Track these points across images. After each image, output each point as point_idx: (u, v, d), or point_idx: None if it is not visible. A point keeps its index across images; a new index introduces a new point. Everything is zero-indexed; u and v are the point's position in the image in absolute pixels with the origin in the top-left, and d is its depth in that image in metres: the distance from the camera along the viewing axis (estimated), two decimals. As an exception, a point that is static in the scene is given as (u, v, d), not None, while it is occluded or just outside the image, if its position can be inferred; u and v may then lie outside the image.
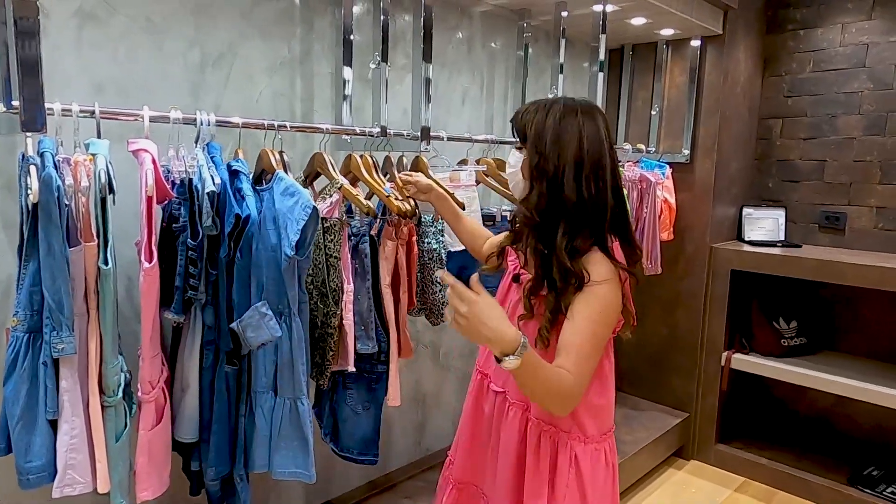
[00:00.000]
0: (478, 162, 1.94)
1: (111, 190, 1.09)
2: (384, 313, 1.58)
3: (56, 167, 1.02)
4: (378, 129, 1.64)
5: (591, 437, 1.16)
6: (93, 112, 1.13)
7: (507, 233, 1.31)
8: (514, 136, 1.18)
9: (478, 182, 1.89)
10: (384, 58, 1.68)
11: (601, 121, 1.11)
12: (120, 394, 1.11)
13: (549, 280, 1.09)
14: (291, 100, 1.73)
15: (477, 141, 1.94)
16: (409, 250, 1.62)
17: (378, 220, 1.58)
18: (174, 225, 1.20)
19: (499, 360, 0.95)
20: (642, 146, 2.67)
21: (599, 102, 2.28)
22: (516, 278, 1.24)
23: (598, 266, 1.07)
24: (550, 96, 2.25)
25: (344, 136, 1.68)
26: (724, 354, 2.67)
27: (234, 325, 1.31)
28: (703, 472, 2.70)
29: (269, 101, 1.67)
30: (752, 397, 2.91)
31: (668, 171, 2.61)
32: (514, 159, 1.19)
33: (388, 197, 1.52)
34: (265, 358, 1.37)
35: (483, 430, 1.30)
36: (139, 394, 1.18)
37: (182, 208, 1.19)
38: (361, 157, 1.57)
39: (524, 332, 1.00)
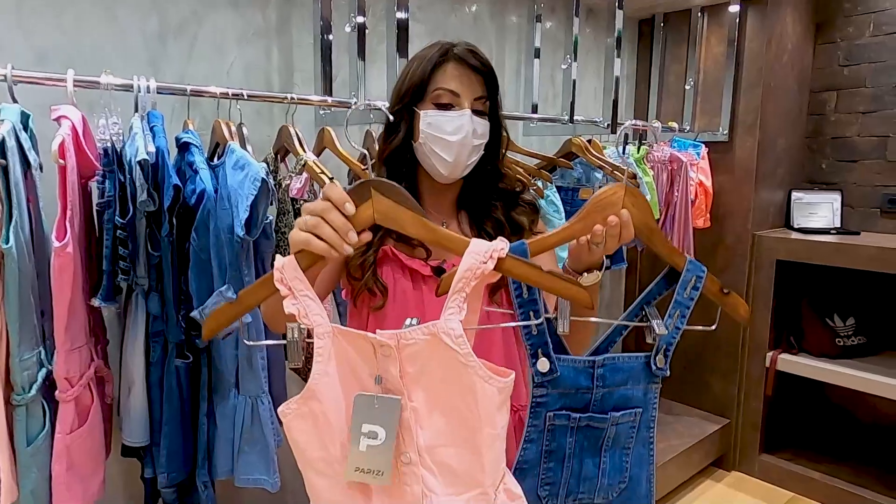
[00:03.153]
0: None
1: (26, 163, 0.96)
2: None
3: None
4: (357, 101, 1.48)
5: None
6: (3, 77, 1.00)
7: None
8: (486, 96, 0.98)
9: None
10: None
11: None
12: (33, 391, 0.99)
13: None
14: (268, 72, 1.59)
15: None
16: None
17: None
18: (99, 201, 1.07)
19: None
20: (674, 124, 2.42)
21: (620, 76, 2.06)
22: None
23: None
24: (563, 67, 2.04)
25: (322, 111, 1.52)
26: (770, 355, 2.38)
27: (194, 312, 1.17)
28: (745, 486, 2.43)
29: (241, 74, 1.53)
30: (802, 403, 2.60)
31: (704, 150, 2.35)
32: None
33: (364, 171, 1.35)
34: (226, 351, 1.23)
35: None
36: (56, 392, 1.05)
37: (107, 182, 1.05)
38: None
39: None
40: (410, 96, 0.95)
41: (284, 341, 0.77)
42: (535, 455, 0.82)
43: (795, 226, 2.50)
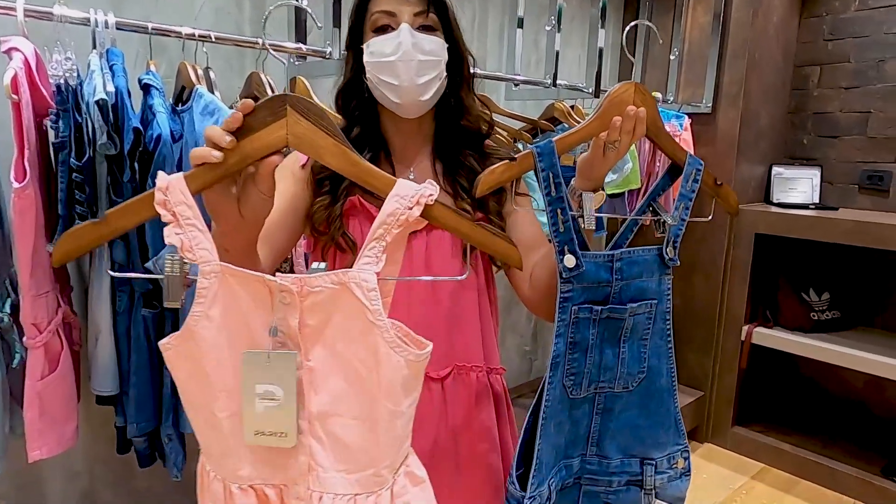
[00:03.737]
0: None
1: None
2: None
3: None
4: (331, 51, 1.42)
5: None
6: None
7: None
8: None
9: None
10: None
11: None
12: (-22, 336, 0.94)
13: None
14: (239, 20, 1.52)
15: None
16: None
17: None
18: (53, 141, 1.01)
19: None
20: (659, 94, 2.39)
21: (604, 46, 2.02)
22: None
23: None
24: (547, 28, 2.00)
25: (295, 61, 1.46)
26: (746, 328, 2.40)
27: (149, 263, 1.13)
28: (717, 457, 2.45)
29: (210, 19, 1.47)
30: (775, 376, 2.63)
31: (687, 122, 2.33)
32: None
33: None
34: (190, 302, 1.19)
35: None
36: (24, 338, 1.01)
37: (61, 121, 0.99)
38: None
39: None
40: (353, 32, 0.90)
41: (160, 275, 0.67)
42: (563, 348, 0.84)
43: (775, 200, 2.50)
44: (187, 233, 0.63)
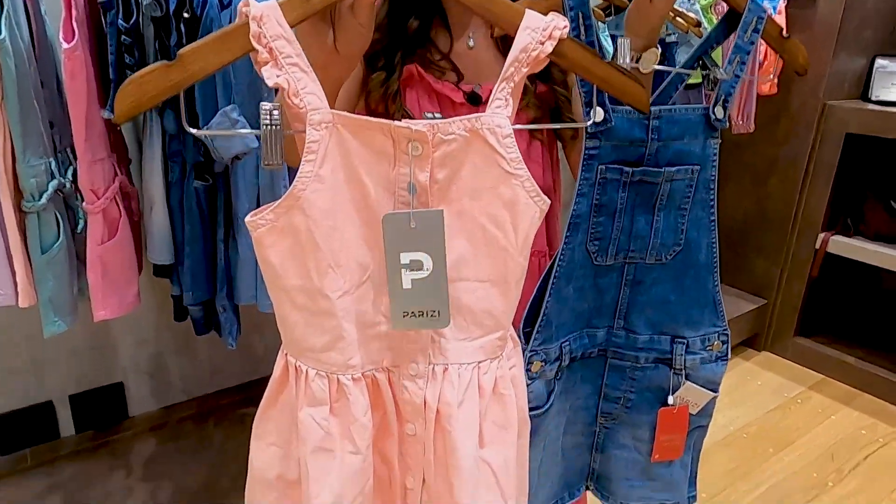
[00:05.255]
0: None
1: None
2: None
3: None
4: None
5: None
6: None
7: None
8: None
9: None
10: None
11: None
12: (43, 200, 0.96)
13: None
14: None
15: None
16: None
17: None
18: (100, 1, 0.98)
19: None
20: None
21: None
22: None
23: None
24: None
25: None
26: (822, 236, 2.25)
27: (199, 132, 1.11)
28: (774, 366, 2.39)
29: None
30: (849, 288, 2.49)
31: (782, 3, 2.08)
32: None
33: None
34: (245, 179, 1.18)
35: None
36: (83, 204, 1.03)
37: (106, -22, 0.95)
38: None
39: None
40: None
41: (257, 131, 0.57)
42: (586, 209, 0.77)
43: (874, 98, 2.25)
44: (289, 73, 0.54)
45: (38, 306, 0.99)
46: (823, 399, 2.17)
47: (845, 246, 2.21)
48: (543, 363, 0.80)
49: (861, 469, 1.80)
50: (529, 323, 0.81)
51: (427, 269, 0.59)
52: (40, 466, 1.41)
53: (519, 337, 0.78)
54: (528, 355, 0.78)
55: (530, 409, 0.79)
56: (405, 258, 0.59)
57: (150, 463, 1.43)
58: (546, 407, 0.82)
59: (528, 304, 0.81)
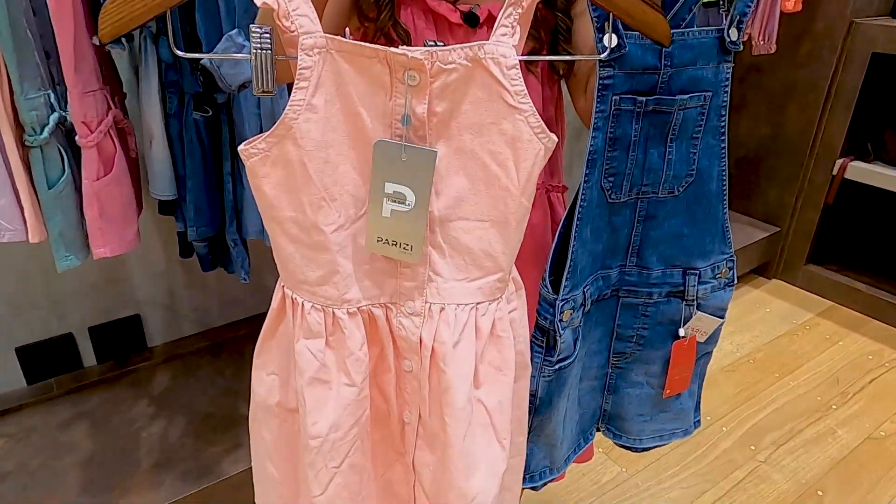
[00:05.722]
0: None
1: None
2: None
3: None
4: None
5: None
6: None
7: None
8: None
9: None
10: None
11: None
12: (45, 134, 0.94)
13: None
14: None
15: None
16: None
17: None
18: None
19: None
20: None
21: None
22: None
23: None
24: None
25: None
26: (840, 162, 2.19)
27: (205, 61, 1.08)
28: (784, 293, 2.40)
29: None
30: (866, 215, 2.45)
31: (812, -89, 1.95)
32: None
33: None
34: (248, 109, 1.15)
35: None
36: (76, 138, 1.01)
37: None
38: None
39: None
40: None
41: (246, 55, 0.54)
42: (601, 144, 0.75)
43: (904, 14, 2.14)
44: None
45: (48, 242, 1.00)
46: (832, 325, 2.18)
47: (864, 172, 2.16)
48: (573, 311, 0.79)
49: (865, 392, 1.83)
50: (553, 271, 0.78)
51: (409, 204, 0.58)
52: (67, 395, 1.47)
53: (545, 288, 0.77)
54: (560, 304, 0.76)
55: (560, 360, 0.79)
56: (389, 188, 0.58)
57: (169, 391, 1.48)
58: (574, 356, 0.82)
59: (551, 252, 0.79)
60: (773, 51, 2.03)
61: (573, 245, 0.76)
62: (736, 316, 2.24)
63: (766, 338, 2.11)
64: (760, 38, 1.98)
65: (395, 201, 0.59)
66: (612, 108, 0.73)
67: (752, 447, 1.63)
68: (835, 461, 1.58)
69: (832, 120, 2.18)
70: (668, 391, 0.92)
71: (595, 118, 0.73)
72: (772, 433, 1.68)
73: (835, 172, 2.21)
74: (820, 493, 1.49)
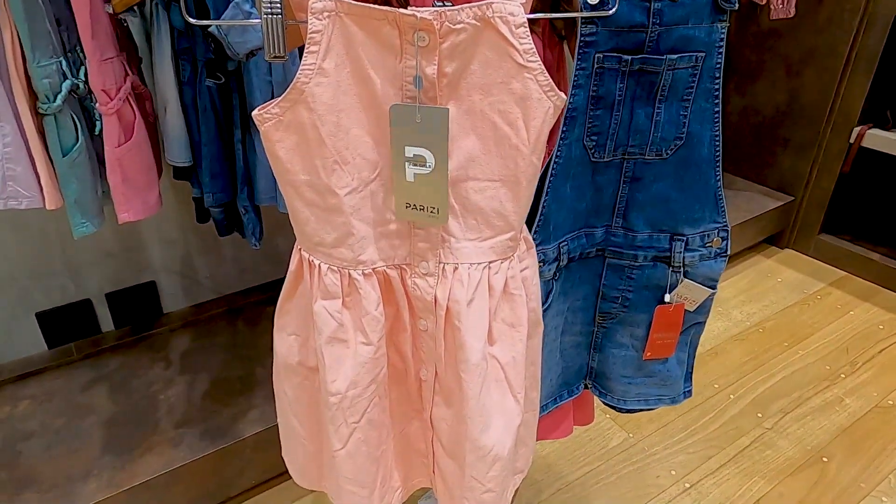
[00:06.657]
0: None
1: None
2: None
3: None
4: None
5: None
6: None
7: None
8: None
9: None
10: None
11: None
12: (58, 101, 0.95)
13: None
14: None
15: None
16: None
17: None
18: None
19: None
20: None
21: None
22: None
23: None
24: None
25: None
26: (857, 129, 2.16)
27: (213, 28, 1.08)
28: (796, 262, 2.39)
29: None
30: (883, 185, 2.42)
31: None
32: None
33: None
34: (258, 77, 1.16)
35: None
36: (97, 105, 1.03)
37: None
38: None
39: None
40: None
41: (256, 21, 0.56)
42: (582, 101, 0.74)
43: (929, -24, 2.07)
44: None
45: (65, 209, 1.02)
46: (843, 295, 2.17)
47: (883, 140, 2.12)
48: (541, 263, 0.79)
49: (875, 362, 1.84)
50: (527, 223, 0.80)
51: (429, 166, 0.59)
52: (86, 359, 1.51)
53: None
54: None
55: None
56: (409, 152, 0.59)
57: (186, 356, 1.51)
58: (544, 308, 0.83)
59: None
60: (791, 15, 1.98)
61: (544, 200, 0.77)
62: (747, 285, 2.23)
63: (777, 307, 2.10)
64: (779, 2, 1.93)
65: (416, 164, 0.59)
66: (595, 65, 0.71)
67: (759, 415, 1.64)
68: (841, 429, 1.59)
69: (851, 87, 2.14)
70: (648, 353, 0.92)
71: (576, 75, 0.72)
72: (779, 401, 1.69)
73: (852, 140, 2.17)
74: (825, 459, 1.51)
